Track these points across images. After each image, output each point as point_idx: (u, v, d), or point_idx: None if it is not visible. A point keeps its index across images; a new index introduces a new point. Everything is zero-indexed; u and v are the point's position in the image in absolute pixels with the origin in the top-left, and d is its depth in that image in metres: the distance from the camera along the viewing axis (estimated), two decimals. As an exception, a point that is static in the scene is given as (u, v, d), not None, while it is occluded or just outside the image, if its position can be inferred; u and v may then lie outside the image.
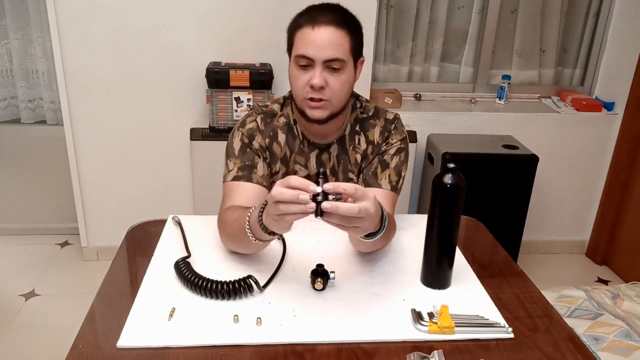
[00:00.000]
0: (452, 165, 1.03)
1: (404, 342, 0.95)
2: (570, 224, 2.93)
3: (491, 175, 2.38)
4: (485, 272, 1.18)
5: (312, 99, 1.18)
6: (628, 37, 2.61)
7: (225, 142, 1.32)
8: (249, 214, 1.05)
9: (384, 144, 1.32)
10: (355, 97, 1.35)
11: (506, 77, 2.71)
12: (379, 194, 1.22)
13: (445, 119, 2.59)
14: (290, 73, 1.22)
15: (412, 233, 1.30)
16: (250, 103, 2.28)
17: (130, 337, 0.93)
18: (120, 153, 2.55)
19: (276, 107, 1.33)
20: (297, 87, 1.19)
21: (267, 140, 1.30)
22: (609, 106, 2.71)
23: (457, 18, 2.75)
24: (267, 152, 1.31)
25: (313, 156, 1.32)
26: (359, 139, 1.33)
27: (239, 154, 1.28)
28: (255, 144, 1.29)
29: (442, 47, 2.78)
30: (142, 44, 2.37)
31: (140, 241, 1.28)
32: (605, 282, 2.72)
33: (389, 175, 1.29)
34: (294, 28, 1.19)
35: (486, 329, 0.98)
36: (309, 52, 1.14)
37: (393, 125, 1.33)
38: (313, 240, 1.26)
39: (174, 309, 0.99)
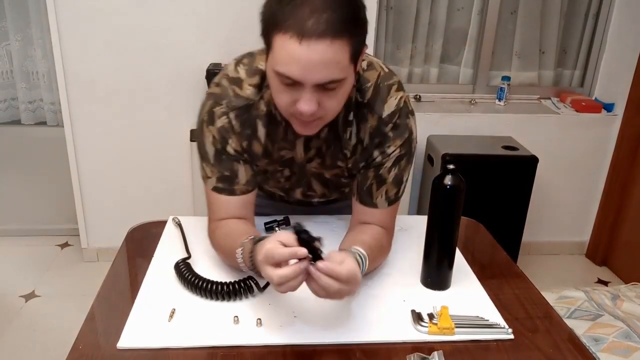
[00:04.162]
0: (451, 167, 1.03)
1: (404, 343, 0.95)
2: (570, 225, 2.93)
3: (491, 177, 2.38)
4: (485, 273, 1.18)
5: (299, 119, 0.95)
6: (628, 38, 2.61)
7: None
8: (240, 254, 0.99)
9: (377, 151, 1.09)
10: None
11: (506, 78, 2.71)
12: (375, 214, 1.13)
13: (445, 120, 2.59)
14: (270, 80, 0.95)
15: (412, 234, 1.30)
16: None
17: (131, 338, 0.93)
18: (120, 154, 2.55)
19: (250, 92, 1.06)
20: (281, 102, 0.94)
21: (244, 143, 1.09)
22: (609, 107, 2.71)
23: (456, 19, 2.75)
24: (246, 154, 1.10)
25: (300, 143, 1.11)
26: (350, 132, 1.09)
27: (214, 161, 1.09)
28: (230, 150, 1.08)
29: (442, 49, 2.79)
30: (142, 45, 2.37)
31: (141, 242, 1.28)
32: (605, 283, 2.72)
33: (386, 191, 1.12)
34: (271, 25, 0.88)
35: (486, 330, 0.98)
36: (294, 74, 0.87)
37: (390, 125, 1.07)
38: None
39: (174, 310, 0.99)
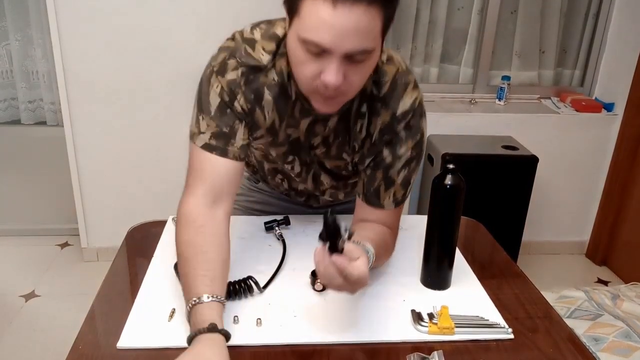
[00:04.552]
0: (451, 166, 1.03)
1: (404, 342, 0.94)
2: (570, 224, 2.93)
3: (491, 176, 2.38)
4: (485, 273, 1.18)
5: (322, 93, 0.88)
6: (628, 38, 2.61)
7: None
8: (190, 305, 0.88)
9: (387, 150, 1.05)
10: None
11: (506, 78, 2.71)
12: (381, 215, 1.10)
13: (445, 119, 2.59)
14: (292, 51, 0.88)
15: (412, 234, 1.30)
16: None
17: (130, 338, 0.93)
18: (120, 154, 2.55)
19: (266, 58, 0.99)
20: (303, 75, 0.88)
21: (248, 105, 1.01)
22: (609, 107, 2.71)
23: (456, 19, 2.75)
24: (249, 118, 1.03)
25: (305, 123, 1.05)
26: (361, 125, 1.04)
27: (215, 113, 1.00)
28: (237, 106, 1.01)
29: (442, 48, 2.79)
30: (142, 45, 2.37)
31: (141, 242, 1.28)
32: (605, 283, 2.72)
33: (394, 193, 1.08)
34: None
35: (486, 330, 0.98)
36: (324, 41, 0.81)
37: (402, 124, 1.02)
38: (313, 240, 1.25)
39: (174, 309, 0.99)
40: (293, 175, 1.20)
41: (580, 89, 2.87)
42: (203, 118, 1.01)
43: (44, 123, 2.78)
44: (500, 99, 2.73)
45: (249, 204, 1.39)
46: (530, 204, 2.46)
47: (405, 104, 1.02)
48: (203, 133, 1.01)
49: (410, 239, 1.28)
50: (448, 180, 1.02)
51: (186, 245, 0.97)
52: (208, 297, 0.89)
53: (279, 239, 1.23)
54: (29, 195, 2.84)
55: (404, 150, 1.05)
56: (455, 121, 2.60)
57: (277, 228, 1.26)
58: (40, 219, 2.88)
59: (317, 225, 1.30)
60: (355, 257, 0.84)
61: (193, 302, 0.88)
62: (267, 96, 1.01)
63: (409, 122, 1.03)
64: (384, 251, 1.06)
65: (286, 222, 1.28)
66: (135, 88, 2.43)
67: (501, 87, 2.71)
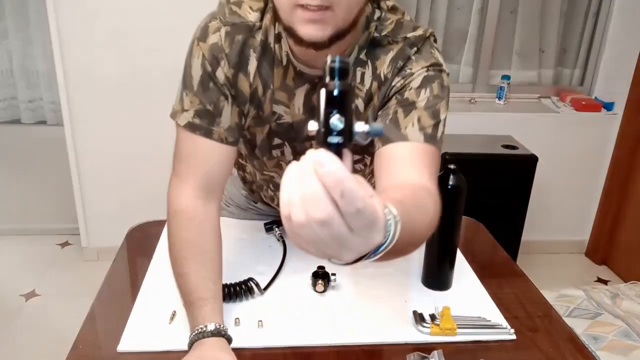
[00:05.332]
0: (453, 167, 1.03)
1: (405, 344, 0.94)
2: (569, 223, 2.93)
3: (490, 176, 2.38)
4: (485, 273, 1.18)
5: (306, 7, 0.74)
6: (628, 37, 2.61)
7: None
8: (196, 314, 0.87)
9: (398, 77, 0.88)
10: (376, 3, 0.92)
11: (506, 77, 2.71)
12: (407, 152, 0.84)
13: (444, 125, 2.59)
14: None
15: (412, 234, 1.30)
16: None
17: (131, 340, 0.93)
18: (120, 153, 2.55)
19: (253, 16, 0.90)
20: None
21: (231, 72, 0.91)
22: (609, 106, 2.71)
23: (456, 18, 2.75)
24: (233, 90, 0.93)
25: (300, 93, 0.93)
26: (362, 74, 0.90)
27: (198, 89, 0.92)
28: (220, 75, 0.91)
29: (442, 48, 2.78)
30: (142, 44, 2.37)
31: (141, 242, 1.28)
32: (605, 282, 2.73)
33: (419, 119, 0.85)
34: None
35: (488, 331, 0.98)
36: None
37: (415, 48, 0.89)
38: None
39: (175, 312, 0.99)
40: (284, 168, 1.14)
41: (580, 89, 2.87)
42: (187, 94, 0.94)
43: (44, 122, 2.78)
44: (500, 99, 2.73)
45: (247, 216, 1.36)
46: (529, 203, 2.46)
47: (416, 33, 0.90)
48: (186, 111, 0.93)
49: (410, 239, 1.28)
50: (449, 180, 1.02)
51: (185, 243, 0.94)
52: (212, 306, 0.88)
53: (279, 240, 1.23)
54: (29, 195, 2.84)
55: (417, 68, 0.88)
56: (455, 120, 2.59)
57: (277, 229, 1.25)
58: (41, 219, 2.88)
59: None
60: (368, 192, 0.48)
61: (198, 305, 0.88)
62: (253, 60, 0.91)
63: (421, 48, 0.89)
64: (416, 210, 0.68)
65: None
66: (136, 87, 2.43)
67: (501, 87, 2.71)
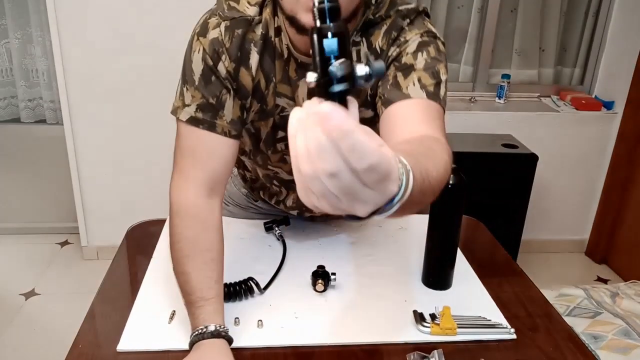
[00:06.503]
0: (453, 166, 1.02)
1: (405, 343, 0.94)
2: (569, 223, 2.93)
3: (491, 175, 2.38)
4: (485, 272, 1.18)
5: None
6: (628, 37, 2.61)
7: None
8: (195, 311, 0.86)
9: (394, 46, 0.89)
10: None
11: (506, 76, 2.71)
12: (411, 108, 0.84)
13: (445, 118, 2.59)
14: None
15: (413, 233, 1.30)
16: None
17: (131, 340, 0.93)
18: (120, 152, 2.55)
19: (252, 10, 0.91)
20: None
21: (232, 65, 0.92)
22: (609, 105, 2.71)
23: (456, 17, 2.75)
24: (235, 83, 0.94)
25: (303, 84, 0.94)
26: (358, 51, 0.92)
27: (200, 82, 0.93)
28: (222, 69, 0.92)
29: (442, 46, 2.78)
30: (142, 44, 2.37)
31: (141, 240, 1.28)
32: (605, 281, 2.73)
33: (419, 79, 0.85)
34: None
35: (489, 330, 0.98)
36: None
37: (408, 20, 0.90)
38: (313, 241, 1.26)
39: (174, 311, 0.99)
40: (288, 162, 1.10)
41: (580, 87, 2.87)
42: (187, 89, 0.94)
43: (43, 121, 2.78)
44: (500, 98, 2.72)
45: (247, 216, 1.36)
46: (530, 202, 2.46)
47: (408, 6, 0.92)
48: (188, 106, 0.93)
49: (410, 238, 1.28)
50: (450, 179, 1.02)
51: (187, 241, 0.93)
52: (213, 307, 0.88)
53: (278, 239, 1.23)
54: (29, 194, 2.84)
55: (412, 36, 0.89)
56: (455, 119, 2.60)
57: (276, 228, 1.25)
58: (40, 217, 2.88)
59: (317, 226, 1.30)
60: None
61: (199, 305, 0.88)
62: (254, 53, 0.92)
63: (413, 20, 0.91)
64: (426, 158, 0.64)
65: (285, 222, 1.28)
66: (135, 86, 2.43)
67: (501, 86, 2.71)
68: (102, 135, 2.50)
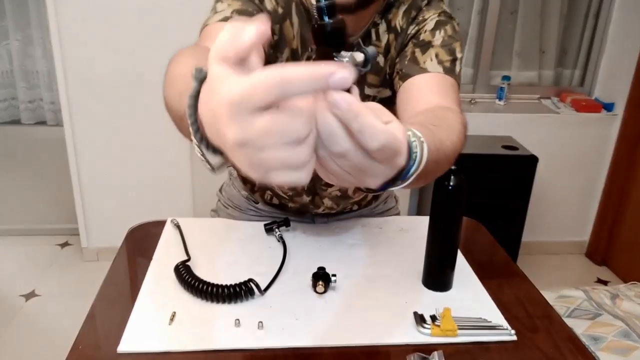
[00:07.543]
0: (453, 167, 1.03)
1: (406, 345, 0.94)
2: (569, 224, 2.93)
3: (491, 176, 2.38)
4: (485, 273, 1.18)
5: None
6: (628, 38, 2.62)
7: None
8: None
9: (412, 25, 0.93)
10: None
11: (506, 77, 2.71)
12: (427, 81, 0.87)
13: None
14: None
15: (413, 235, 1.30)
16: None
17: (131, 341, 0.92)
18: (120, 154, 2.55)
19: None
20: None
21: (279, 10, 0.89)
22: (609, 107, 2.71)
23: (456, 19, 2.75)
24: (277, 26, 0.90)
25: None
26: (377, 30, 0.93)
27: None
28: (267, 2, 0.89)
29: (442, 48, 2.79)
30: (142, 45, 2.37)
31: (141, 242, 1.28)
32: (605, 283, 2.73)
33: (437, 55, 0.89)
34: None
35: (489, 332, 0.98)
36: None
37: (425, 1, 0.95)
38: (314, 242, 1.26)
39: (175, 313, 0.99)
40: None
41: (580, 89, 2.87)
42: (222, 2, 0.87)
43: (44, 123, 2.78)
44: (500, 99, 2.73)
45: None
46: (530, 203, 2.46)
47: None
48: (220, 11, 0.86)
49: (410, 239, 1.28)
50: (450, 181, 1.02)
51: (185, 66, 0.72)
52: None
53: (279, 241, 1.23)
54: (29, 195, 2.84)
55: (429, 15, 0.93)
56: (455, 121, 2.60)
57: (277, 230, 1.25)
58: (41, 219, 2.88)
59: (318, 227, 1.30)
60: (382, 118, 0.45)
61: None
62: (294, 15, 0.90)
63: (430, 1, 0.95)
64: (439, 128, 0.65)
65: (286, 223, 1.28)
66: (136, 88, 2.43)
67: (501, 87, 2.71)
68: (103, 136, 2.50)
